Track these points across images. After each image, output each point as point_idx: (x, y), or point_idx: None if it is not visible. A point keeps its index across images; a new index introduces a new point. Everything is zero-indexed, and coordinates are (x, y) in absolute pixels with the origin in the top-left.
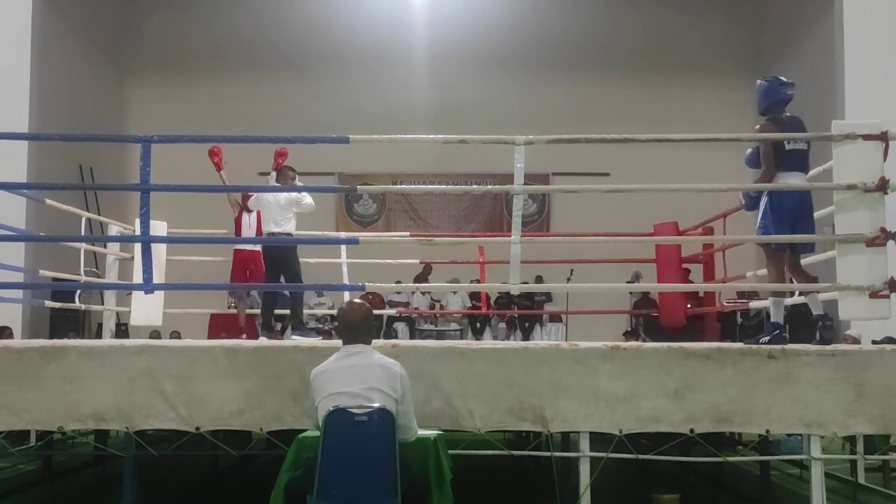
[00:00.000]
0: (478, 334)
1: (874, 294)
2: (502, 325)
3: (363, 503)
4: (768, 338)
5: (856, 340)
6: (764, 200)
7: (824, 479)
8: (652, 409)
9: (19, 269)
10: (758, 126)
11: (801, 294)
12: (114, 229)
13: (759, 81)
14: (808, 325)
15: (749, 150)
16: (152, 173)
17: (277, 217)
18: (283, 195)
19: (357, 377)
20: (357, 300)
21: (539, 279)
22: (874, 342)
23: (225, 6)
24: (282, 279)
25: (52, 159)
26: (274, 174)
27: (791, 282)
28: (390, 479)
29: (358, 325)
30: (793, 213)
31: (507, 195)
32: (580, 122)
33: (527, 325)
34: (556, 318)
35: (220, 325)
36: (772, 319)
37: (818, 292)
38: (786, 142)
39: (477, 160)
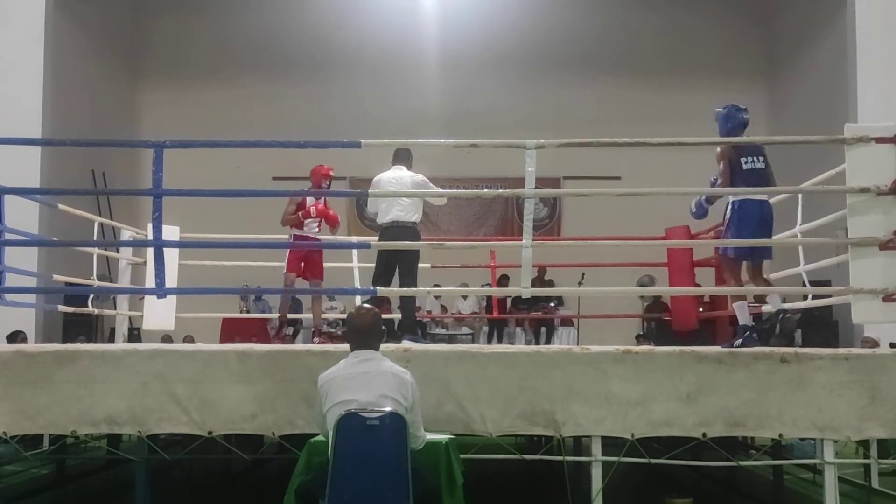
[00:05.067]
0: (494, 340)
1: (888, 297)
2: (519, 329)
3: None
4: (741, 340)
5: (875, 343)
6: (728, 214)
7: (838, 484)
8: (664, 413)
9: (33, 274)
10: (718, 150)
11: (757, 298)
12: (126, 234)
13: (716, 110)
14: (821, 329)
15: (694, 209)
16: (164, 178)
17: (405, 204)
18: (410, 180)
19: (369, 385)
20: (366, 305)
21: (550, 283)
22: (892, 345)
23: (236, 11)
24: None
25: (65, 164)
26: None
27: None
28: (402, 483)
29: (367, 331)
30: (752, 225)
31: (518, 199)
32: (592, 125)
33: (543, 328)
34: (567, 322)
35: (233, 330)
36: (740, 323)
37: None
38: (743, 161)
39: (488, 164)
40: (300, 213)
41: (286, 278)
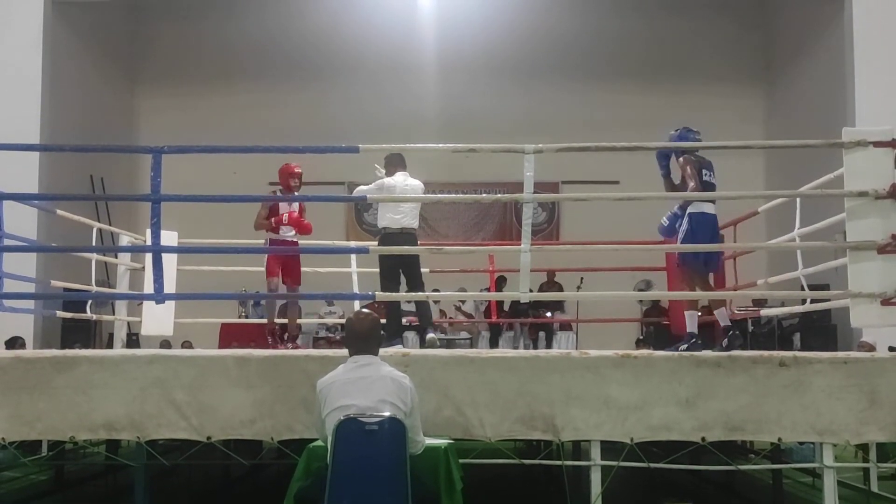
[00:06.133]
0: (494, 344)
1: (886, 301)
2: (515, 333)
3: None
4: (686, 346)
5: (871, 347)
6: (684, 229)
7: (837, 488)
8: (663, 417)
9: (31, 280)
10: (680, 159)
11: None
12: (125, 239)
13: (670, 133)
14: (820, 333)
15: (666, 222)
16: (163, 183)
17: (414, 211)
18: (420, 187)
19: (368, 390)
20: (364, 310)
21: (559, 286)
22: (891, 349)
23: (235, 16)
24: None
25: (64, 170)
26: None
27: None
28: (401, 488)
29: (366, 336)
30: (709, 234)
31: (516, 204)
32: (590, 130)
33: (542, 333)
34: (566, 326)
35: (231, 335)
36: (688, 330)
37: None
38: (703, 173)
39: (486, 169)
40: (272, 220)
41: (269, 284)
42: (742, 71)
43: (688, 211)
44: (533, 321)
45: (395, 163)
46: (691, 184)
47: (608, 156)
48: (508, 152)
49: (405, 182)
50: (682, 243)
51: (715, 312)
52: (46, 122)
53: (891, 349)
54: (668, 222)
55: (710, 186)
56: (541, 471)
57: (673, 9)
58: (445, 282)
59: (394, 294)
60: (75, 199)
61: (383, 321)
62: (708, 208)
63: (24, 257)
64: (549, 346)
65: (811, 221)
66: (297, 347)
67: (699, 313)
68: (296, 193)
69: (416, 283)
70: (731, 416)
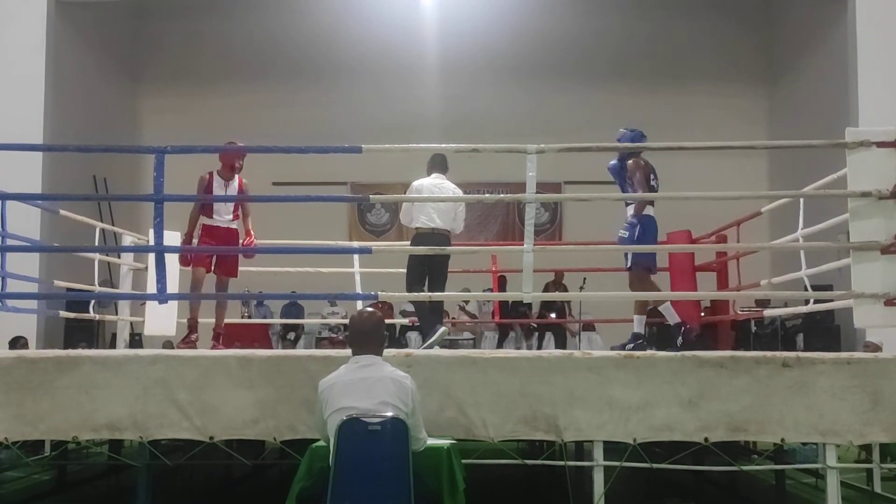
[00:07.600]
0: (497, 345)
1: (889, 301)
2: (516, 334)
3: None
4: (632, 345)
5: (877, 348)
6: (637, 232)
7: (840, 489)
8: (666, 417)
9: (34, 280)
10: (630, 161)
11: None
12: (127, 240)
13: (621, 130)
14: (823, 334)
15: (625, 234)
16: (166, 183)
17: (444, 213)
18: (451, 190)
19: (369, 391)
20: (368, 309)
21: (565, 287)
22: None
23: (238, 17)
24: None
25: (67, 170)
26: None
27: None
28: (403, 488)
29: (369, 335)
30: (655, 236)
31: (519, 204)
32: (592, 130)
33: (547, 333)
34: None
35: (234, 335)
36: (634, 330)
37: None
38: (652, 178)
39: (489, 169)
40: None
41: (193, 274)
42: (744, 71)
43: (632, 215)
44: (535, 321)
45: (433, 163)
46: (640, 189)
47: (610, 156)
48: (511, 152)
49: (433, 183)
50: (635, 253)
51: (660, 309)
52: (49, 122)
53: None
54: (627, 234)
55: (654, 191)
56: (543, 471)
57: (675, 9)
58: (448, 282)
59: (395, 294)
60: (78, 200)
61: (393, 322)
62: (652, 211)
63: (27, 257)
64: (562, 346)
65: (814, 222)
66: (218, 348)
67: (672, 312)
68: (238, 178)
69: (437, 286)
70: (734, 417)
